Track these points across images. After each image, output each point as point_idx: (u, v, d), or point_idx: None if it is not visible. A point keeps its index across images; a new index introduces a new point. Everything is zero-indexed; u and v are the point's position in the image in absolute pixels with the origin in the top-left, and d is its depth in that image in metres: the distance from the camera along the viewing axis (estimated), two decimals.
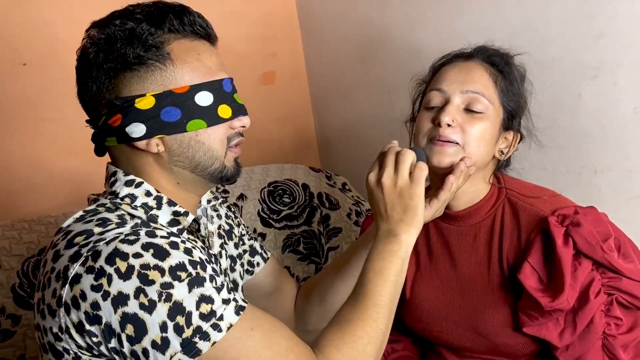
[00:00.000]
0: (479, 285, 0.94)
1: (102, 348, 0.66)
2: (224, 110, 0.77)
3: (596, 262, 0.84)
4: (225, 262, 0.92)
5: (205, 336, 0.65)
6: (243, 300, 0.71)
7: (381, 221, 0.84)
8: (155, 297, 0.64)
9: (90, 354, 0.68)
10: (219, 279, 0.70)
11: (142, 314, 0.64)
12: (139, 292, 0.64)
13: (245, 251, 1.01)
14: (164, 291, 0.64)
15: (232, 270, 0.95)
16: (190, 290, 0.65)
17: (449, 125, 0.88)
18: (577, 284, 0.83)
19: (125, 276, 0.64)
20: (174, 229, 0.77)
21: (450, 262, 0.98)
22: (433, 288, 0.99)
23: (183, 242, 0.70)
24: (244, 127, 0.81)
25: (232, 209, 1.04)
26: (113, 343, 0.65)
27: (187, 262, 0.67)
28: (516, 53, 1.00)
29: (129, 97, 0.74)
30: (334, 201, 1.51)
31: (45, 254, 0.73)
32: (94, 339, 0.66)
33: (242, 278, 0.98)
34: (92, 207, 0.75)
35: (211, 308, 0.66)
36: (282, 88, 1.89)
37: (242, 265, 0.99)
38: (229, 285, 0.73)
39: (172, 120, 0.74)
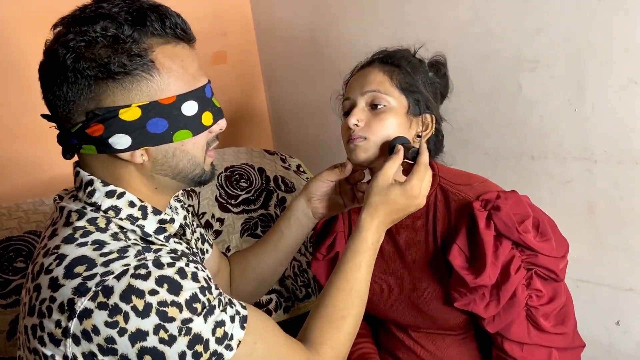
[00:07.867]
0: (417, 265, 1.01)
1: None
2: (207, 117, 0.76)
3: (514, 242, 0.92)
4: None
5: (219, 357, 0.68)
6: (242, 306, 0.75)
7: (377, 219, 0.90)
8: (175, 333, 0.65)
9: None
10: (216, 292, 0.72)
11: (162, 347, 0.65)
12: (159, 328, 0.64)
13: (198, 238, 1.01)
14: (184, 326, 0.66)
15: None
16: (206, 321, 0.67)
17: (356, 125, 0.96)
18: (499, 261, 0.91)
19: (143, 314, 0.64)
20: (161, 237, 0.77)
21: (394, 247, 1.05)
22: (381, 270, 1.05)
23: (187, 264, 0.70)
24: (221, 129, 0.81)
25: (181, 199, 1.02)
26: None
27: (198, 292, 0.68)
28: (418, 47, 1.08)
29: (112, 107, 0.69)
30: (289, 184, 1.55)
31: (36, 276, 0.69)
32: None
33: None
34: (81, 223, 0.72)
35: (224, 330, 0.69)
36: (234, 68, 1.89)
37: (198, 250, 1.00)
38: (222, 293, 0.74)
39: (158, 131, 0.72)
